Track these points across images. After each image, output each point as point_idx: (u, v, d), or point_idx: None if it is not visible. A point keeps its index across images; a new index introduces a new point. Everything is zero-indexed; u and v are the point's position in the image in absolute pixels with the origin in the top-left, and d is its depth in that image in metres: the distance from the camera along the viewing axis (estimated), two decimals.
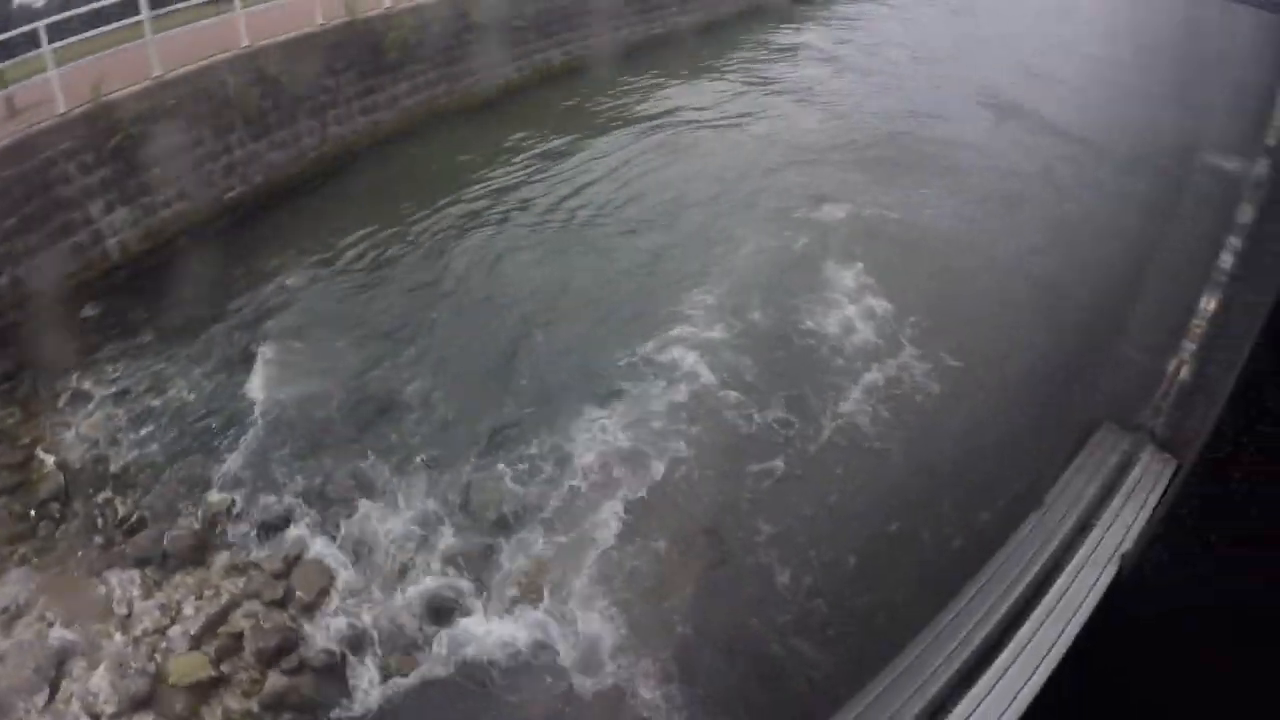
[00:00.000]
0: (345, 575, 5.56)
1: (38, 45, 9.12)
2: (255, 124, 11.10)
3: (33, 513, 6.32)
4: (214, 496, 6.18)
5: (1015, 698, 1.39)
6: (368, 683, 4.93)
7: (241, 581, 5.46)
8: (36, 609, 5.32)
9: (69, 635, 5.10)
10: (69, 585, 5.59)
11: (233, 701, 4.77)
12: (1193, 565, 1.12)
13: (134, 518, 6.10)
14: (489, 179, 11.86)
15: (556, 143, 12.90)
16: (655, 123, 13.68)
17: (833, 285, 8.88)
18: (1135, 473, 2.03)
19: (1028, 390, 7.44)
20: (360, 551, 5.74)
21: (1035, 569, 1.74)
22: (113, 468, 6.77)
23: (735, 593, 5.55)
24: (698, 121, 13.73)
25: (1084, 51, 17.82)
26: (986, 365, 7.78)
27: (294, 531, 5.89)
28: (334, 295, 9.12)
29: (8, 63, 9.63)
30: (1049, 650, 1.51)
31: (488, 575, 5.59)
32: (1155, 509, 1.48)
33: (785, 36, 18.81)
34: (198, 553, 5.74)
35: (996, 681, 1.49)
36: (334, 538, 5.86)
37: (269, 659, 4.97)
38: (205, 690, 4.80)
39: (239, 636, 5.10)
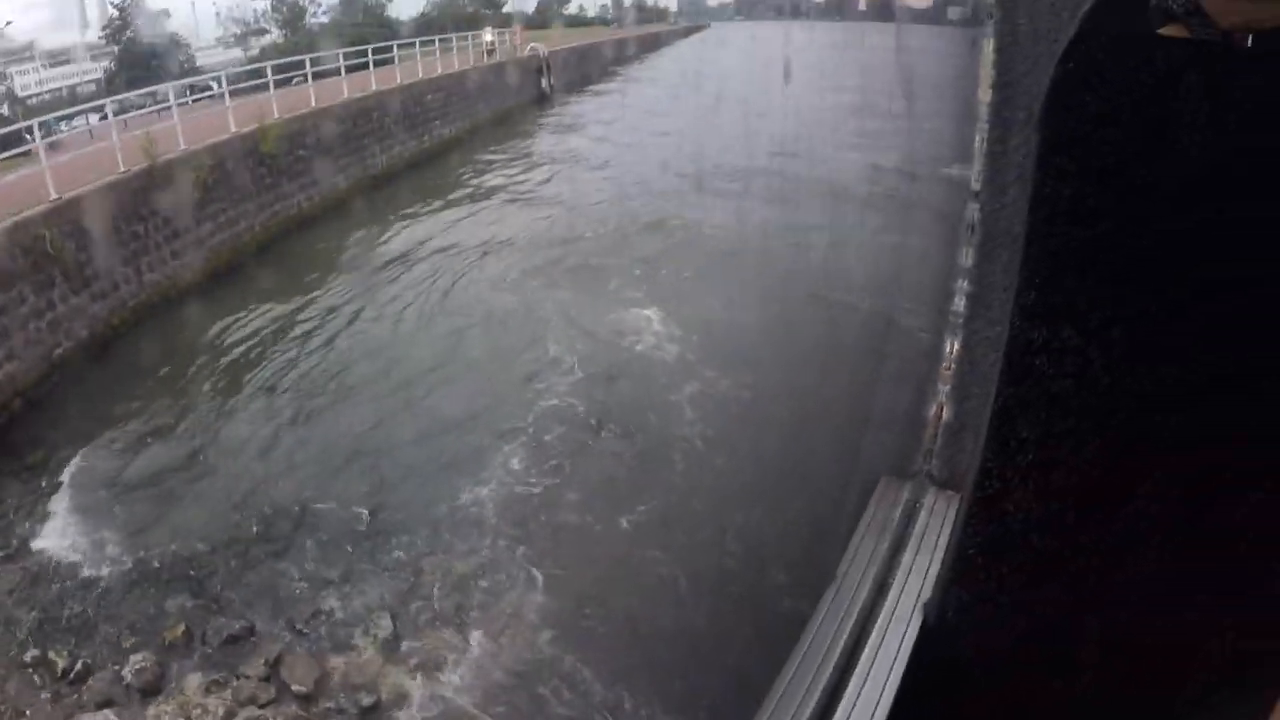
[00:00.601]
0: (337, 660, 5.91)
1: None
2: (75, 277, 10.86)
3: None
4: (166, 628, 6.22)
5: None
6: None
7: (228, 693, 5.59)
8: None
9: None
10: None
11: None
12: (990, 601, 1.16)
13: (76, 667, 5.99)
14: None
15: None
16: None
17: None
18: (922, 518, 2.10)
19: (794, 475, 7.16)
20: (339, 636, 6.11)
21: (840, 645, 1.76)
22: (17, 634, 6.56)
23: None
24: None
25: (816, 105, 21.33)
26: (753, 459, 7.70)
27: (262, 637, 6.12)
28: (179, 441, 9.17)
29: None
30: (873, 712, 1.54)
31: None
32: (947, 551, 1.48)
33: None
34: (164, 682, 5.80)
35: None
36: (304, 633, 6.17)
37: None
38: None
39: None
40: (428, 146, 19.09)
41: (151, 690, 5.74)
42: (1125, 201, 0.90)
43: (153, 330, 11.52)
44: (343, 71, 17.06)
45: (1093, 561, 1.05)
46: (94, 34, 29.64)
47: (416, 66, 19.70)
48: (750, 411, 8.66)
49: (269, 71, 14.73)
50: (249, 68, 15.37)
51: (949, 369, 2.28)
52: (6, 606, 6.89)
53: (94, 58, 28.43)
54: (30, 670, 6.09)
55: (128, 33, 27.66)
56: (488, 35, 24.79)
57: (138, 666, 5.87)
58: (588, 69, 28.79)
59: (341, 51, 17.50)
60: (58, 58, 28.19)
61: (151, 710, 5.57)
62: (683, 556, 6.61)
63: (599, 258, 13.53)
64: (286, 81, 15.58)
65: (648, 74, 32.58)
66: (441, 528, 7.41)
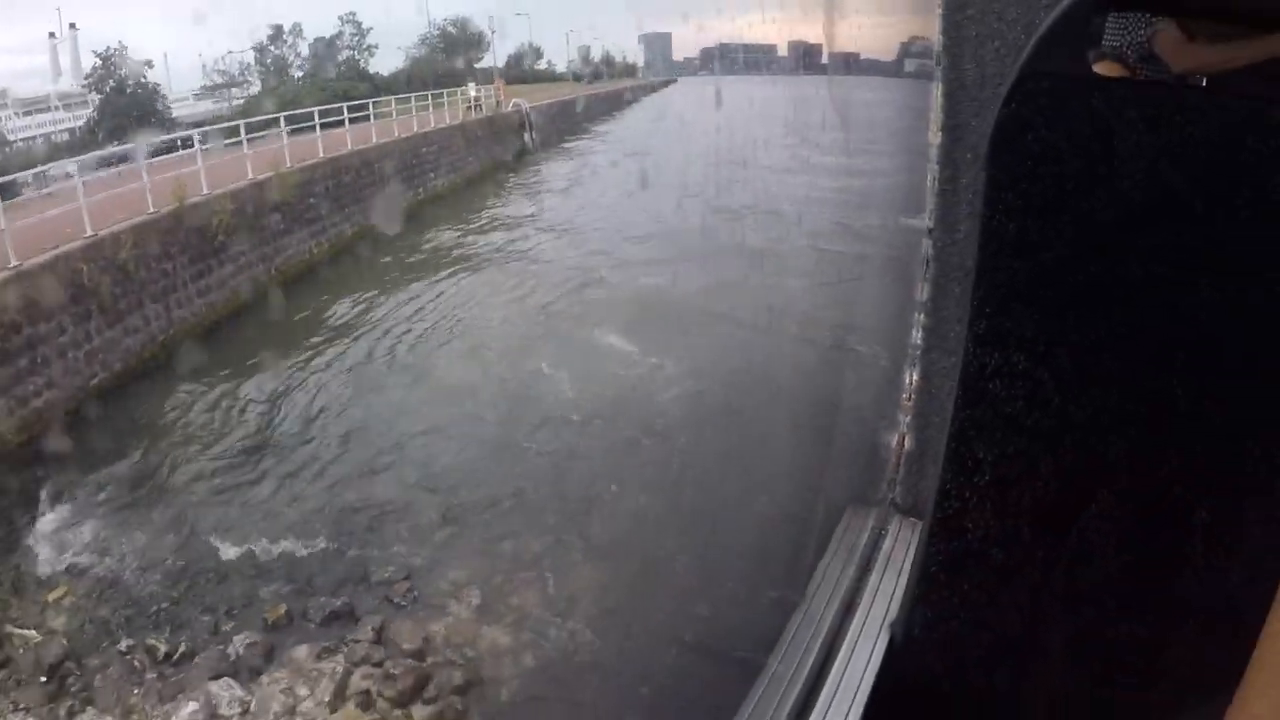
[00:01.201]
0: (436, 625, 6.23)
1: None
2: (109, 311, 11.13)
3: (43, 678, 6.18)
4: (265, 611, 6.50)
5: None
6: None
7: (340, 657, 5.87)
8: None
9: None
10: (147, 715, 5.66)
11: None
12: (954, 617, 1.20)
13: (178, 650, 6.22)
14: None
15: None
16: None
17: None
18: (887, 544, 2.14)
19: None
20: (434, 606, 6.44)
21: (810, 660, 1.79)
22: (106, 629, 6.74)
23: None
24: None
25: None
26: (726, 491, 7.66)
27: (362, 613, 6.43)
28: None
29: None
30: None
31: None
32: (911, 571, 1.50)
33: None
34: (273, 655, 6.06)
35: None
36: (401, 605, 6.50)
37: (408, 697, 5.48)
38: None
39: (369, 692, 5.54)
40: (422, 198, 19.77)
41: (259, 661, 5.98)
42: (1066, 234, 0.96)
43: (185, 362, 11.76)
44: (347, 123, 17.73)
45: (1050, 574, 1.10)
46: (67, 82, 29.68)
47: (411, 121, 20.49)
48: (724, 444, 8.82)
49: (282, 122, 15.33)
50: (263, 118, 15.82)
51: (909, 399, 2.31)
52: (86, 608, 7.08)
53: (66, 106, 28.51)
54: (128, 657, 6.29)
55: (110, 82, 27.88)
56: (472, 90, 25.80)
57: (245, 643, 6.11)
58: (565, 124, 29.96)
59: (345, 105, 18.18)
60: (30, 105, 27.94)
61: (266, 678, 5.82)
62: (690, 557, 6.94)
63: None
64: (293, 132, 16.13)
65: (621, 129, 33.80)
66: (510, 516, 7.80)
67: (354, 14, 36.01)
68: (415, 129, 20.31)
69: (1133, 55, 1.89)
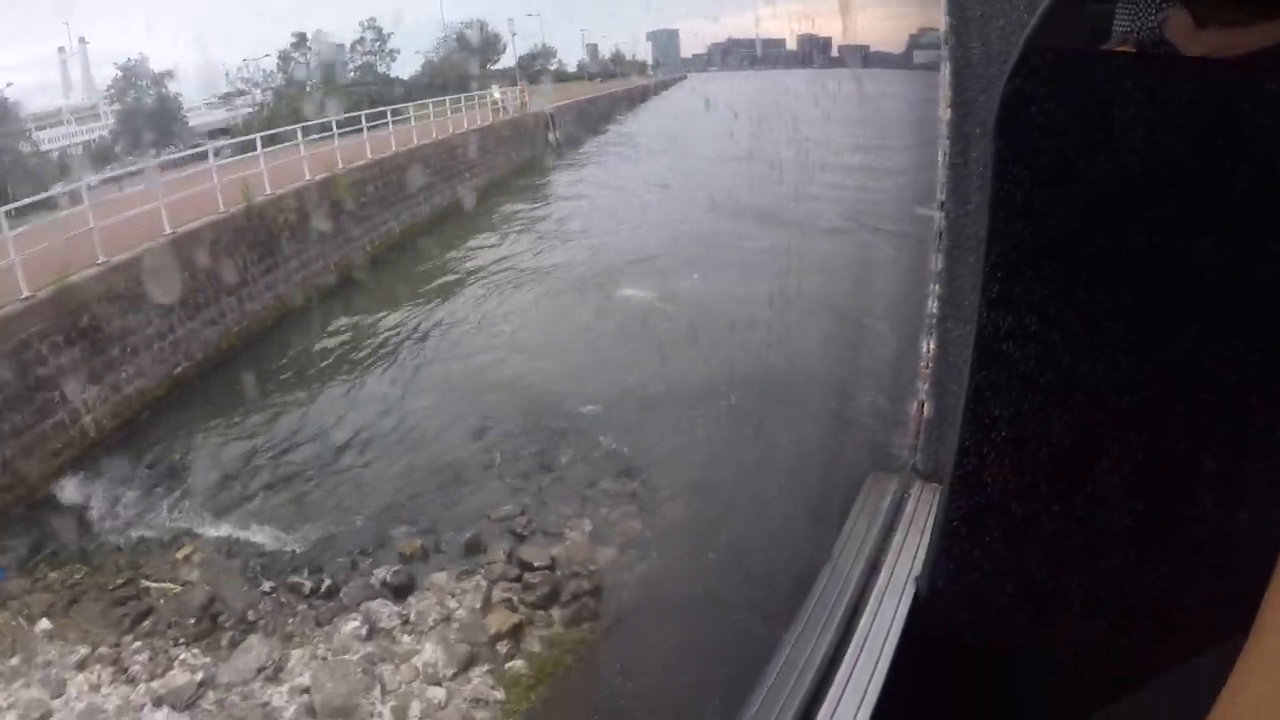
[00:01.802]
0: (558, 548, 6.75)
1: None
2: (190, 304, 11.65)
3: (193, 620, 6.64)
4: (400, 546, 6.97)
5: None
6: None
7: (478, 577, 6.37)
8: (305, 650, 5.83)
9: (366, 648, 5.72)
10: (307, 639, 6.10)
11: (539, 632, 5.83)
12: (976, 568, 1.23)
13: (323, 585, 6.68)
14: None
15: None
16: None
17: None
18: (909, 508, 2.19)
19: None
20: (553, 534, 6.98)
21: (840, 613, 1.86)
22: (243, 576, 7.21)
23: None
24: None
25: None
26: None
27: (490, 542, 6.89)
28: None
29: None
30: (870, 678, 1.63)
31: None
32: (933, 529, 1.54)
33: None
34: (415, 581, 6.52)
35: (831, 715, 1.61)
36: (524, 535, 6.99)
37: (546, 602, 6.10)
38: (516, 632, 5.79)
39: (510, 600, 6.08)
40: (459, 196, 20.34)
41: (405, 589, 6.43)
42: (1072, 201, 0.98)
43: (262, 350, 12.27)
44: (390, 126, 18.35)
45: (1067, 525, 1.13)
46: (78, 96, 30.24)
47: (447, 123, 21.14)
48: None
49: (334, 126, 15.92)
50: (311, 123, 16.36)
51: (927, 368, 2.35)
52: (217, 562, 7.54)
53: (79, 120, 29.13)
54: (274, 595, 6.76)
55: (132, 93, 28.42)
56: (495, 93, 26.49)
57: (388, 573, 6.56)
58: (586, 123, 30.58)
59: (389, 109, 18.80)
60: (42, 121, 28.43)
61: (414, 599, 6.27)
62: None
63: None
64: (329, 137, 16.68)
65: (639, 125, 34.53)
66: (603, 466, 8.25)
67: (374, 19, 36.77)
68: (451, 130, 20.93)
69: (1143, 40, 2.02)
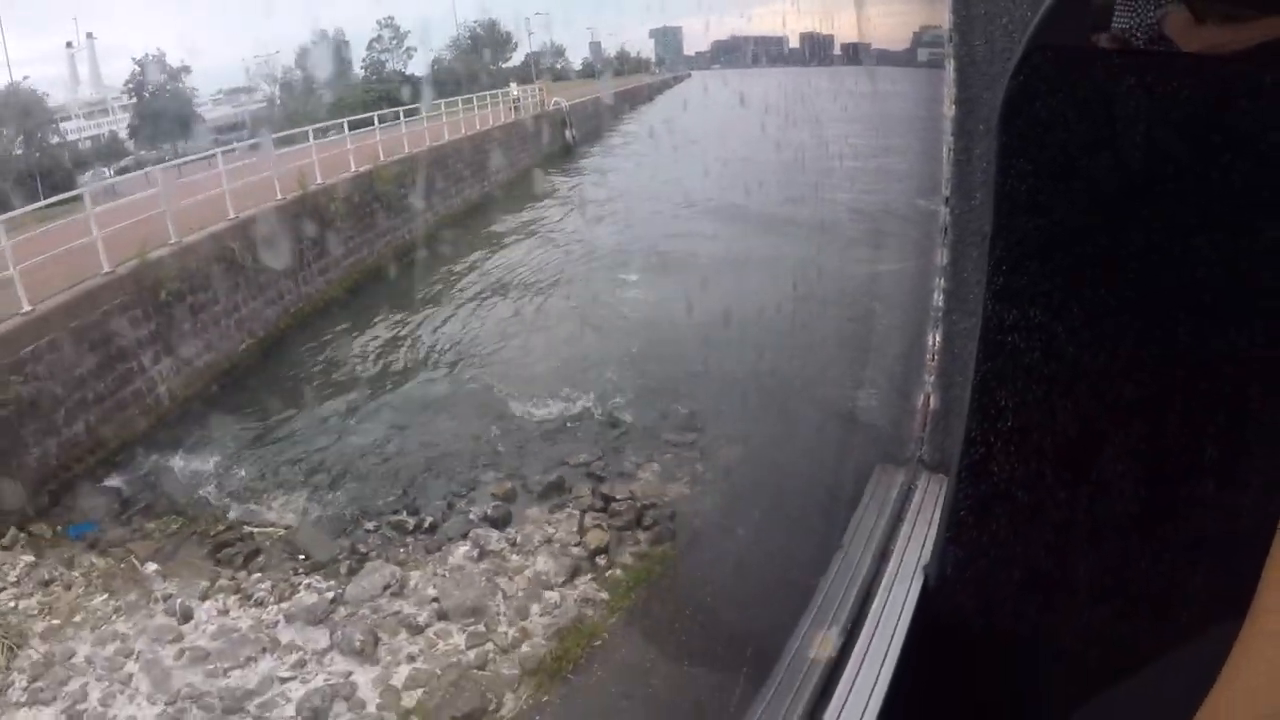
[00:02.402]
0: (634, 485, 7.43)
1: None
2: (253, 284, 12.29)
3: (303, 556, 7.26)
4: (492, 487, 7.66)
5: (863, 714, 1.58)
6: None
7: (570, 508, 7.11)
8: (423, 571, 6.49)
9: (480, 566, 6.38)
10: (421, 563, 6.75)
11: (629, 549, 6.67)
12: (984, 555, 1.25)
13: (425, 524, 7.32)
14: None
15: None
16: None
17: None
18: (917, 498, 2.22)
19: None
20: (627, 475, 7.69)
21: (851, 600, 1.89)
22: (343, 516, 7.85)
23: None
24: None
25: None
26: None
27: (577, 485, 7.57)
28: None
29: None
30: (882, 664, 1.65)
31: None
32: (941, 518, 1.51)
33: None
34: (510, 516, 7.19)
35: (843, 703, 1.63)
36: (602, 477, 7.69)
37: (631, 525, 6.90)
38: (610, 549, 6.61)
39: (601, 525, 6.87)
40: (487, 190, 21.06)
41: (503, 521, 7.09)
42: (1074, 194, 1.01)
43: (319, 327, 12.91)
44: (425, 121, 19.10)
45: (1073, 512, 1.15)
46: (86, 91, 30.67)
47: (474, 119, 21.92)
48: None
49: (375, 120, 16.69)
50: (342, 120, 16.98)
51: (933, 360, 2.37)
52: (313, 509, 8.17)
53: (88, 115, 29.64)
54: (379, 532, 7.39)
55: (149, 88, 28.89)
56: (514, 91, 27.32)
57: (486, 507, 7.22)
58: (599, 120, 31.36)
59: (413, 106, 19.62)
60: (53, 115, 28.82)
61: (512, 529, 6.92)
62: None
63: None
64: (370, 131, 17.37)
65: (650, 120, 35.22)
66: (663, 426, 8.93)
67: (392, 18, 37.23)
68: (478, 127, 21.69)
69: (1142, 37, 1.80)
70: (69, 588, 7.37)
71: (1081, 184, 1.00)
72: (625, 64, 51.15)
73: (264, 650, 5.99)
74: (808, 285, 11.05)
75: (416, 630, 5.83)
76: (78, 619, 6.88)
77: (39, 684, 6.11)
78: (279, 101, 31.76)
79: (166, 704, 5.79)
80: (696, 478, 7.74)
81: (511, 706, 4.92)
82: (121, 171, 25.79)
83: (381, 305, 14.20)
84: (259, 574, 7.04)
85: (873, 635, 1.67)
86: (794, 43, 49.93)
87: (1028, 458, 1.14)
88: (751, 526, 6.76)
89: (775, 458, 7.85)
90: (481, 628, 5.78)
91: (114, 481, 9.15)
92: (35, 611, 6.99)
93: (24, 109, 24.26)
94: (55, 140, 25.91)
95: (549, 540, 6.65)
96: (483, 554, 6.59)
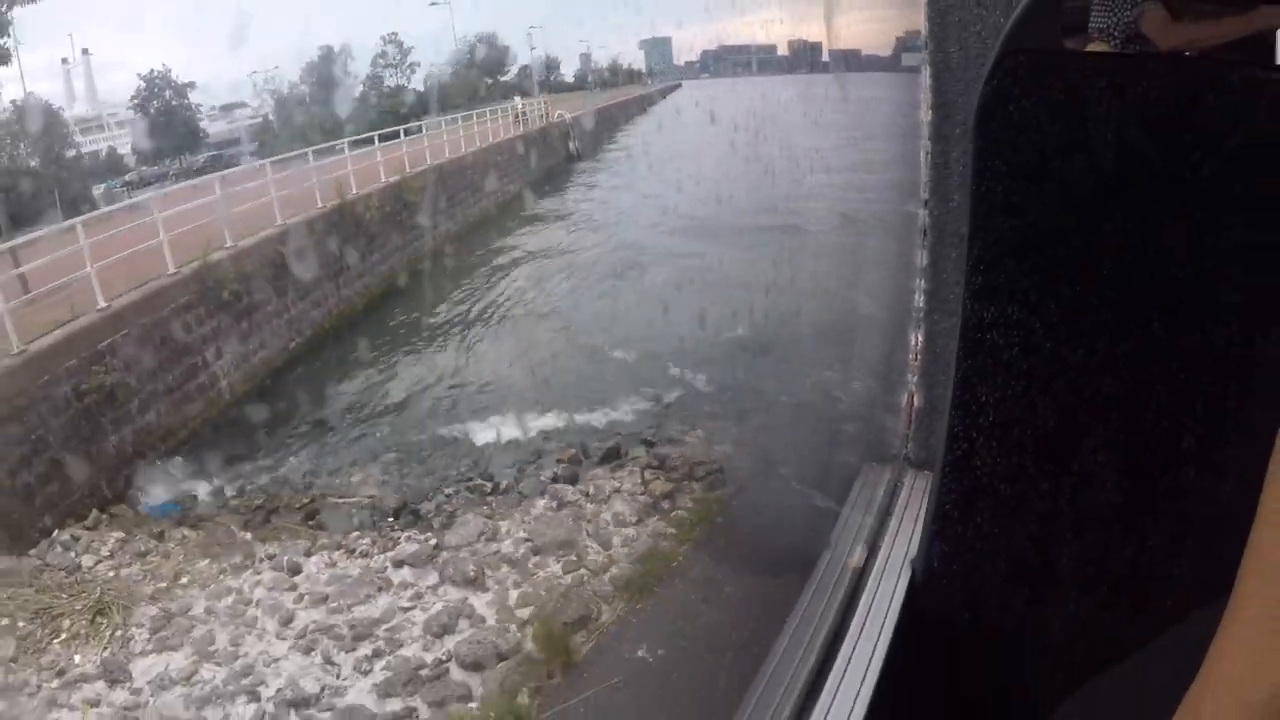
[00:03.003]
0: (684, 448, 8.43)
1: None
2: (299, 287, 13.20)
3: (392, 518, 8.18)
4: (558, 454, 8.68)
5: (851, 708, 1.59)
6: None
7: (629, 468, 8.09)
8: (510, 521, 7.44)
9: (562, 513, 7.34)
10: (508, 515, 7.69)
11: (688, 496, 7.57)
12: (970, 549, 1.26)
13: (501, 485, 8.28)
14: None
15: None
16: None
17: None
18: (903, 495, 2.27)
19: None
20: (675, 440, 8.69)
21: (840, 595, 1.92)
22: (420, 486, 8.78)
23: None
24: None
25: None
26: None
27: (632, 449, 8.60)
28: None
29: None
30: (870, 657, 1.68)
31: None
32: (927, 513, 1.45)
33: None
34: (576, 477, 8.16)
35: (832, 698, 1.64)
36: (652, 443, 8.70)
37: (685, 478, 7.85)
38: (672, 495, 7.55)
39: (659, 479, 7.85)
40: (500, 201, 22.15)
41: (573, 479, 8.06)
42: (1049, 194, 1.02)
43: (359, 329, 13.86)
44: (445, 136, 20.20)
45: (1054, 504, 1.16)
46: (82, 107, 30.69)
47: (487, 131, 22.98)
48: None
49: (402, 134, 17.69)
50: (385, 131, 18.02)
51: (916, 359, 2.39)
52: (390, 480, 9.10)
53: (84, 131, 29.75)
54: (459, 495, 8.33)
55: (155, 103, 29.49)
56: (519, 104, 28.28)
57: (556, 469, 8.19)
58: (599, 132, 32.43)
59: (442, 119, 20.69)
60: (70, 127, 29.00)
61: (582, 485, 7.89)
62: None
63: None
64: (396, 145, 18.40)
65: (646, 132, 36.28)
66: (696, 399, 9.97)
67: (396, 34, 37.64)
68: (490, 139, 22.76)
69: (1119, 35, 1.98)
70: (167, 557, 8.04)
71: (1055, 184, 1.02)
72: (618, 75, 51.84)
73: (379, 589, 6.87)
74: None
75: (515, 564, 6.76)
76: (184, 581, 7.57)
77: (163, 633, 6.76)
78: (285, 116, 32.30)
79: (297, 638, 6.61)
80: (736, 442, 8.76)
81: (610, 614, 5.85)
82: (127, 186, 26.58)
83: (418, 305, 15.20)
84: (357, 532, 7.91)
85: (861, 629, 1.69)
86: (783, 50, 50.36)
87: (1010, 452, 1.16)
88: (787, 477, 7.64)
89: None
90: (573, 557, 6.70)
91: (189, 465, 9.92)
92: (139, 578, 7.59)
93: (42, 121, 24.72)
94: (71, 154, 26.46)
95: (618, 490, 7.62)
96: (561, 504, 7.54)
